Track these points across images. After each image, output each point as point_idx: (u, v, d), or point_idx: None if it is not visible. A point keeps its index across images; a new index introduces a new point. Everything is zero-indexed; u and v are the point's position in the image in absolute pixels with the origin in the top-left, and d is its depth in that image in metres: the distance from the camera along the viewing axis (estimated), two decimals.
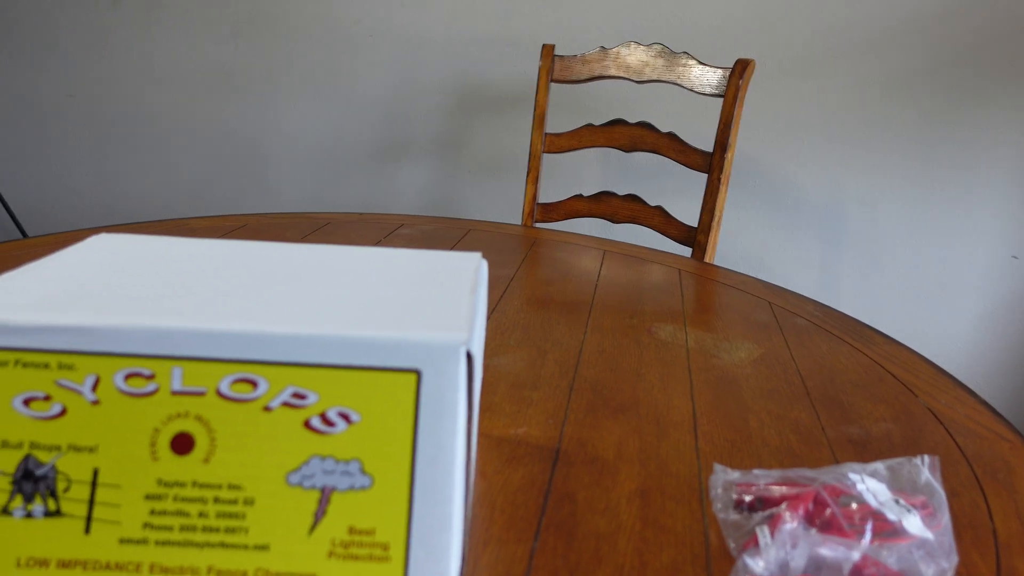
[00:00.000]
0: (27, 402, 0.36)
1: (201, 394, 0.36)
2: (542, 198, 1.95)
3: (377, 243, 1.02)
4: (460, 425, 0.35)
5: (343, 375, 0.36)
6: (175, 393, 0.36)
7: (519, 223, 1.39)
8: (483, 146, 1.97)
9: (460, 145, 1.98)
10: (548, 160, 1.92)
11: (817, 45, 1.71)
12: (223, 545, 0.35)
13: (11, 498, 0.35)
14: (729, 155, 1.28)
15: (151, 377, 0.36)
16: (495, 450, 0.53)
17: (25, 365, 0.36)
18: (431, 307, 0.39)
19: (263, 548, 0.35)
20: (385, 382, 0.35)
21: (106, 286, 0.40)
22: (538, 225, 1.59)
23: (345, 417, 0.35)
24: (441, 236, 1.08)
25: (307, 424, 0.35)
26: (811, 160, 1.79)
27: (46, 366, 0.36)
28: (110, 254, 0.46)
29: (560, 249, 1.07)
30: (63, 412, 0.36)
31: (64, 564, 0.34)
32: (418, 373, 0.35)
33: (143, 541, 0.35)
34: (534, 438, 0.55)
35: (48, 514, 0.35)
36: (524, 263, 0.99)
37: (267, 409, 0.35)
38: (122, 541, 0.35)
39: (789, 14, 1.71)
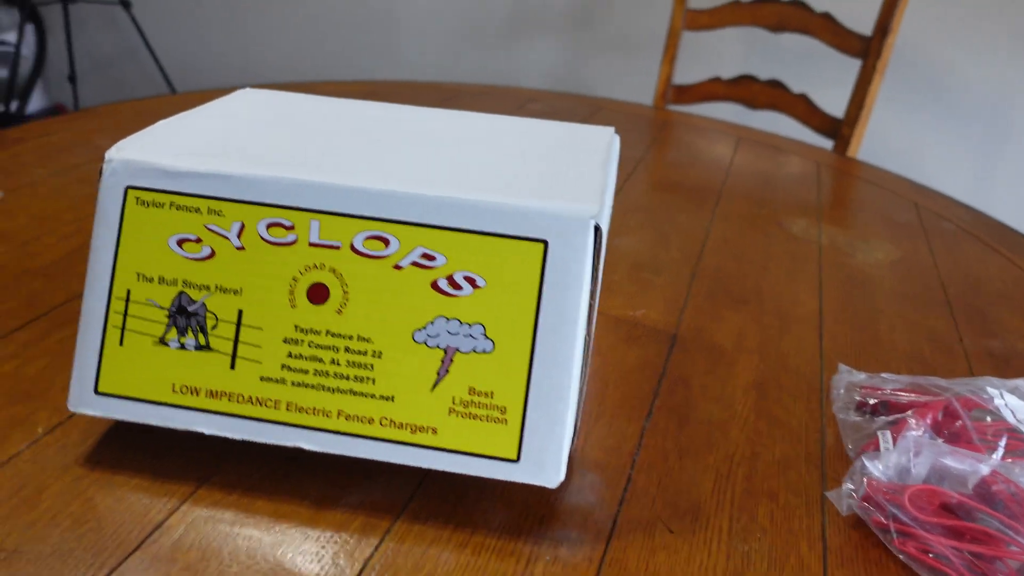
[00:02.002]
0: (181, 243, 0.38)
1: (336, 248, 0.37)
2: (677, 79, 1.86)
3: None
4: (583, 297, 0.35)
5: (472, 240, 0.36)
6: (312, 245, 0.37)
7: (650, 104, 1.34)
8: (617, 21, 1.88)
9: (593, 19, 1.90)
10: (686, 39, 1.82)
11: None
12: (352, 392, 0.37)
13: (167, 330, 0.38)
14: (890, 40, 1.17)
15: (291, 228, 0.37)
16: (612, 329, 0.53)
17: (179, 208, 0.38)
18: (562, 178, 0.39)
19: (388, 399, 0.36)
20: (512, 250, 0.36)
21: (253, 138, 0.42)
22: (671, 108, 1.53)
23: (471, 281, 0.36)
24: (570, 113, 1.06)
25: (435, 285, 0.36)
26: (980, 51, 1.61)
27: (198, 210, 0.38)
28: (255, 108, 0.47)
29: (692, 133, 1.03)
30: (212, 255, 0.38)
31: (212, 394, 0.38)
32: (545, 243, 0.35)
33: (281, 381, 0.37)
34: (652, 321, 0.55)
35: (199, 348, 0.38)
36: (653, 145, 0.96)
37: (397, 267, 0.36)
38: (262, 379, 0.37)
39: None
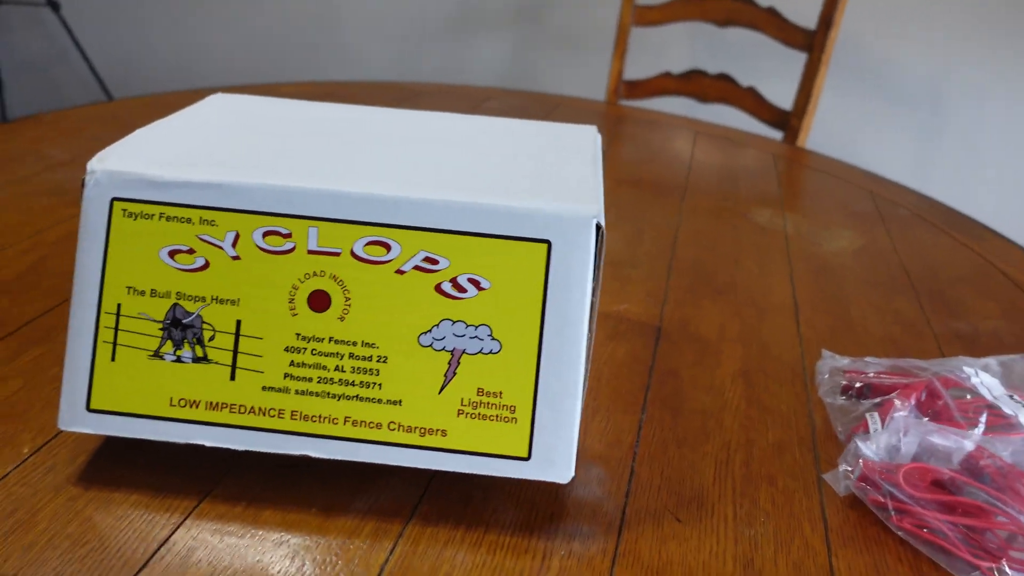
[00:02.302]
0: (172, 254, 0.37)
1: (336, 254, 0.37)
2: (627, 75, 1.88)
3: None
4: (587, 296, 0.36)
5: (474, 242, 0.36)
6: (311, 252, 0.37)
7: (602, 100, 1.35)
8: (565, 17, 1.89)
9: (541, 15, 1.91)
10: (635, 35, 1.84)
11: None
12: (359, 398, 0.36)
13: (162, 343, 0.37)
14: (833, 33, 1.20)
15: (288, 236, 0.37)
16: (598, 324, 0.54)
17: (169, 219, 0.37)
18: (559, 179, 0.39)
19: (396, 403, 0.36)
20: (516, 251, 0.36)
21: (237, 145, 0.41)
22: (623, 103, 1.55)
23: (475, 283, 0.36)
24: (528, 110, 1.06)
25: (438, 288, 0.36)
26: (918, 41, 1.67)
27: (189, 221, 0.37)
28: (231, 114, 0.46)
29: (650, 128, 1.05)
30: (206, 265, 0.37)
31: (212, 405, 0.37)
32: (549, 244, 0.36)
33: (284, 390, 0.37)
34: (635, 315, 0.56)
35: (196, 360, 0.37)
36: (613, 141, 0.97)
37: (399, 272, 0.36)
38: (264, 388, 0.37)
39: None
